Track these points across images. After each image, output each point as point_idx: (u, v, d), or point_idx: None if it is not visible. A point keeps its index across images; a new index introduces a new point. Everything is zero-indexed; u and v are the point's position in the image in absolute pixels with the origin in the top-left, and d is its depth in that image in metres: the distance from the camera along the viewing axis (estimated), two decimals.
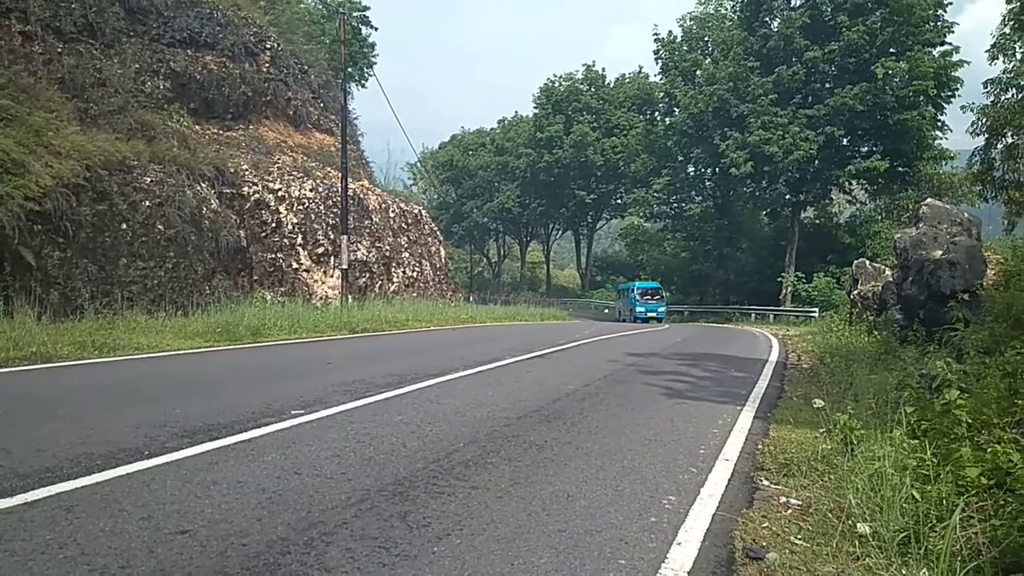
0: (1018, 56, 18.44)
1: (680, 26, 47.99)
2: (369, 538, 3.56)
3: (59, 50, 17.77)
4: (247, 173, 21.90)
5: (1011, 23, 17.76)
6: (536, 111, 62.03)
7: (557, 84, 61.12)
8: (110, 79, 18.73)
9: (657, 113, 53.44)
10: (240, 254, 20.31)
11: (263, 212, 21.98)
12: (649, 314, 42.75)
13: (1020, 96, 18.75)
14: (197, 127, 22.64)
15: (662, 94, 49.24)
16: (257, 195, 21.83)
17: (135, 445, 5.16)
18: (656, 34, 46.55)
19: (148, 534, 3.50)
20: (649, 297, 44.21)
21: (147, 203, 16.43)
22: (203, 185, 18.97)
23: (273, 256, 22.08)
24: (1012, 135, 19.28)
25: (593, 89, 60.08)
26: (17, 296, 12.31)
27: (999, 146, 19.90)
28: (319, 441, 5.56)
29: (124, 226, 15.75)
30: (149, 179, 16.74)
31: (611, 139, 56.18)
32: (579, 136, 56.42)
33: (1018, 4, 16.94)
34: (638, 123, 54.24)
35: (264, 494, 4.20)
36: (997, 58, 18.91)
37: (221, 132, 23.85)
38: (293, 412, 6.54)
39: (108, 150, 15.89)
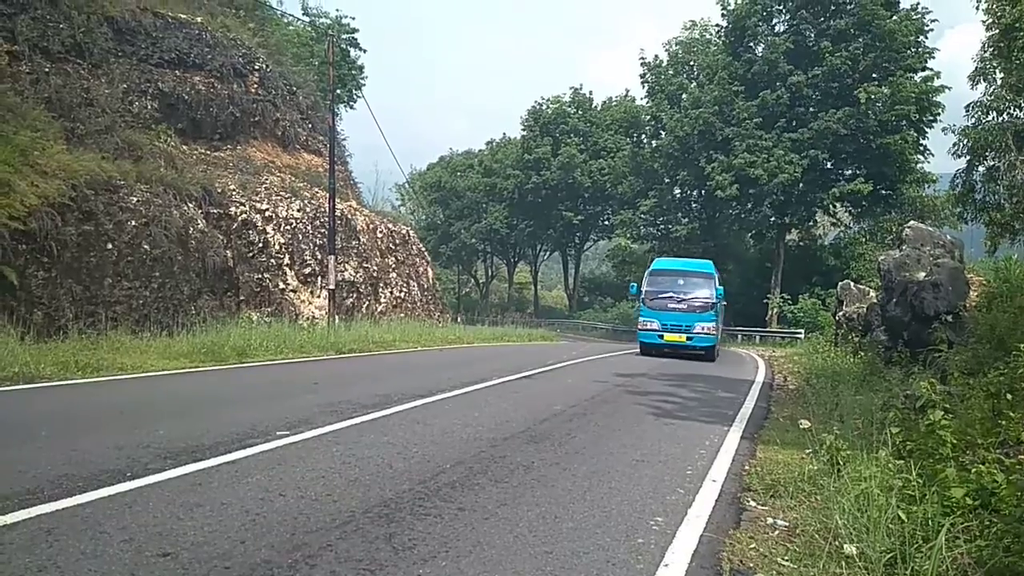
0: (998, 80, 18.76)
1: (666, 50, 48.56)
2: (354, 560, 3.53)
3: (46, 70, 17.73)
4: (234, 193, 21.84)
5: (991, 49, 18.09)
6: (524, 133, 62.21)
7: (545, 107, 61.42)
8: (97, 99, 18.70)
9: (643, 136, 53.74)
10: (226, 274, 20.21)
11: (250, 232, 21.89)
12: (668, 334, 20.59)
13: (1001, 119, 19.07)
14: (184, 147, 22.59)
15: (648, 117, 49.57)
16: (244, 215, 21.75)
17: (117, 466, 5.10)
18: (642, 58, 47.13)
19: (129, 557, 3.45)
20: (679, 294, 21.20)
21: (133, 223, 16.35)
22: (190, 205, 18.91)
23: (260, 276, 21.96)
24: (993, 157, 19.59)
25: (580, 112, 60.42)
26: None
27: (980, 168, 20.21)
28: (304, 462, 5.52)
29: (110, 246, 15.65)
30: (135, 199, 16.67)
31: (598, 161, 56.41)
32: (566, 158, 56.65)
33: (998, 31, 17.27)
34: (625, 145, 54.51)
35: (248, 516, 4.16)
36: (978, 83, 19.24)
37: (209, 152, 23.80)
38: (278, 433, 6.49)
39: (94, 170, 15.82)
